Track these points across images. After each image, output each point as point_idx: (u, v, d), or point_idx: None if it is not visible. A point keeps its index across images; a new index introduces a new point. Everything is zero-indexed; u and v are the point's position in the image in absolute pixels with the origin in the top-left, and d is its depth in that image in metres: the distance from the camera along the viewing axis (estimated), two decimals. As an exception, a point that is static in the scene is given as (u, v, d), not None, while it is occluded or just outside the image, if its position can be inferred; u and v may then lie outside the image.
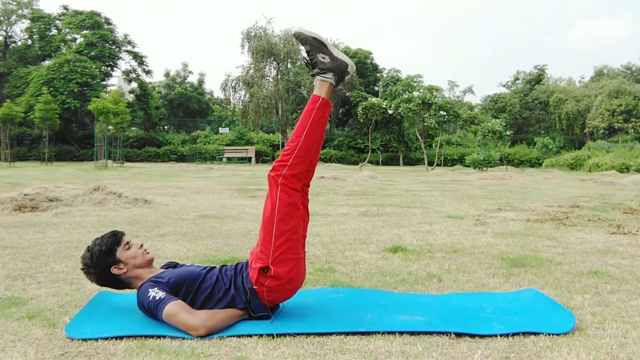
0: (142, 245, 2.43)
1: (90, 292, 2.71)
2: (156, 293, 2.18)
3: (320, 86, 2.33)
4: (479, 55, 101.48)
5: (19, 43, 38.26)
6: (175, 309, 2.12)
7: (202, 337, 2.06)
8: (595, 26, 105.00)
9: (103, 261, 2.33)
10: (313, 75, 2.36)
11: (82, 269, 2.39)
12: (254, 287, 2.23)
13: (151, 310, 2.17)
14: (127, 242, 2.40)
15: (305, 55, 2.37)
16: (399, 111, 23.92)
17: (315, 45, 2.33)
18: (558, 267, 3.38)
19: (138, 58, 37.49)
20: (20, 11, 38.18)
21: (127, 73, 37.57)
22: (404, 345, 1.99)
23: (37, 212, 5.85)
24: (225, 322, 2.16)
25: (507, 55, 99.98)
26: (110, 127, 24.59)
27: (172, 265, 2.53)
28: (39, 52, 36.52)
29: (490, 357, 1.90)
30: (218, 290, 2.27)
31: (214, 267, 2.40)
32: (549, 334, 2.09)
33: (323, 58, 2.32)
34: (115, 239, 2.38)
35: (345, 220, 5.62)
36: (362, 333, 2.10)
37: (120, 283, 2.39)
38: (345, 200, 7.87)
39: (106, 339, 2.03)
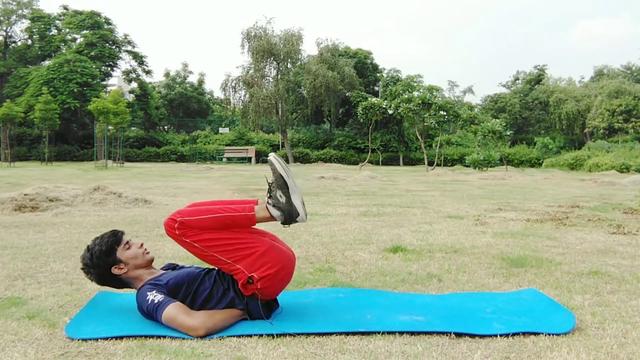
0: (142, 245, 2.43)
1: (90, 292, 2.71)
2: (154, 296, 2.18)
3: (264, 211, 2.30)
4: (479, 55, 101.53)
5: (19, 43, 38.27)
6: (174, 311, 2.12)
7: (202, 337, 2.06)
8: (595, 26, 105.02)
9: (103, 261, 2.33)
10: (265, 201, 2.33)
11: (82, 269, 2.39)
12: (251, 294, 2.25)
13: (150, 314, 2.17)
14: (127, 242, 2.40)
15: (268, 180, 2.36)
16: (399, 111, 23.91)
17: (280, 182, 2.31)
18: (558, 267, 3.38)
19: (138, 58, 37.49)
20: (20, 11, 38.19)
21: (127, 73, 37.57)
22: (404, 345, 2.00)
23: (37, 212, 5.85)
24: (224, 323, 2.16)
25: (507, 55, 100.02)
26: (110, 127, 24.59)
27: (172, 266, 2.54)
28: (39, 52, 36.52)
29: (490, 357, 1.90)
30: (217, 290, 2.27)
31: (213, 269, 2.40)
32: (549, 334, 2.09)
33: (280, 196, 2.31)
34: (115, 238, 2.38)
35: (345, 220, 5.62)
36: (362, 333, 2.10)
37: (120, 282, 2.39)
38: (345, 200, 7.87)
39: (106, 339, 2.03)
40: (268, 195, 2.34)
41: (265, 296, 2.28)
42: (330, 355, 1.91)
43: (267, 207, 2.31)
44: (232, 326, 2.18)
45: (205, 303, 2.24)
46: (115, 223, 5.17)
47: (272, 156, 2.36)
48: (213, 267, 2.42)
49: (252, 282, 2.22)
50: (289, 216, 2.31)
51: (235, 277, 2.27)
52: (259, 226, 2.42)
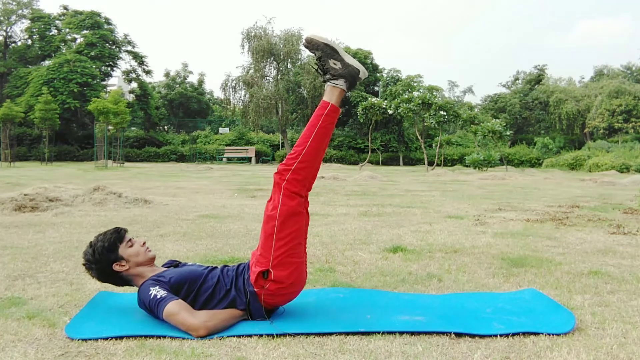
0: (144, 243, 2.43)
1: (90, 292, 2.71)
2: (157, 292, 2.18)
3: (331, 92, 2.31)
4: (479, 55, 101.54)
5: (19, 43, 38.25)
6: (176, 308, 2.11)
7: (203, 337, 2.06)
8: (595, 26, 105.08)
9: (105, 257, 2.33)
10: (324, 81, 2.34)
11: (84, 265, 2.39)
12: (255, 289, 2.23)
13: (152, 309, 2.17)
14: (130, 239, 2.40)
15: (316, 61, 2.34)
16: (399, 111, 23.90)
17: (327, 51, 2.30)
18: (558, 267, 3.38)
19: (138, 58, 37.48)
20: (20, 11, 38.17)
21: (127, 73, 37.56)
22: (404, 345, 2.00)
23: (37, 212, 5.85)
24: (225, 323, 2.16)
25: (507, 55, 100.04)
26: (110, 127, 24.59)
27: (174, 264, 2.53)
28: (39, 52, 36.50)
29: (490, 357, 1.90)
30: (219, 290, 2.27)
31: (216, 267, 2.39)
32: (549, 334, 2.09)
33: (334, 64, 2.30)
34: (118, 235, 2.38)
35: (345, 220, 5.62)
36: (362, 333, 2.10)
37: (121, 280, 2.39)
38: (345, 200, 7.86)
39: (106, 339, 2.03)
40: (324, 75, 2.32)
41: (266, 303, 2.27)
42: (330, 355, 1.91)
43: (331, 86, 2.31)
44: (232, 326, 2.18)
45: (207, 302, 2.24)
46: (115, 223, 5.17)
47: (308, 35, 2.35)
48: (216, 266, 2.43)
49: (266, 277, 2.21)
50: (351, 77, 2.31)
51: (257, 261, 2.25)
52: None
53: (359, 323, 2.19)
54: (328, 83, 2.32)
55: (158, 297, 2.15)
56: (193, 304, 2.22)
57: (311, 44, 2.33)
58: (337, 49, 2.31)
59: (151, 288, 2.20)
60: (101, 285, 2.69)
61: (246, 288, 2.25)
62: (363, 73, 2.33)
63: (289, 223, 2.23)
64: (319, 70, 2.35)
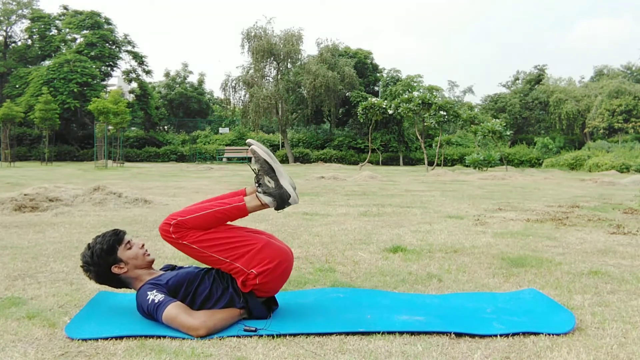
0: (143, 245, 2.43)
1: (90, 292, 2.71)
2: (155, 296, 2.18)
3: (254, 201, 2.32)
4: (479, 55, 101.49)
5: (19, 43, 38.24)
6: (175, 311, 2.12)
7: (203, 337, 2.06)
8: (595, 26, 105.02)
9: (104, 260, 2.33)
10: (255, 185, 2.35)
11: (82, 267, 2.38)
12: (251, 290, 2.25)
13: (151, 313, 2.17)
14: (129, 242, 2.40)
15: (254, 171, 2.36)
16: (399, 111, 23.89)
17: (265, 168, 2.32)
18: (558, 267, 3.38)
19: (138, 58, 37.47)
20: (20, 11, 38.16)
21: (127, 73, 37.55)
22: (404, 345, 2.00)
23: (37, 212, 5.85)
24: (225, 322, 2.16)
25: (507, 55, 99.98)
26: (110, 127, 24.58)
27: (171, 267, 2.54)
28: (39, 52, 36.49)
29: (490, 357, 1.90)
30: (216, 289, 2.28)
31: (212, 269, 2.40)
32: (549, 334, 2.09)
33: (269, 182, 2.32)
34: (117, 237, 2.38)
35: (345, 220, 5.62)
36: (362, 333, 2.10)
37: (119, 282, 2.39)
38: (345, 200, 7.87)
39: (106, 339, 2.03)
40: (256, 184, 2.34)
41: (264, 292, 2.29)
42: (330, 355, 1.91)
43: (257, 196, 2.32)
44: (232, 326, 2.18)
45: (205, 302, 2.25)
46: (115, 223, 5.17)
47: (252, 143, 2.36)
48: (211, 267, 2.43)
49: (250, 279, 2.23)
50: (281, 200, 2.32)
51: (234, 275, 2.28)
52: (257, 225, 2.42)
53: (359, 323, 2.19)
54: (257, 192, 2.33)
55: (156, 301, 2.16)
56: (191, 305, 2.23)
57: (253, 155, 2.36)
58: (274, 169, 2.32)
59: (149, 292, 2.20)
60: (101, 285, 2.69)
61: (241, 290, 2.27)
62: (294, 199, 2.33)
63: (213, 244, 2.24)
64: (254, 178, 2.37)
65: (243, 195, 2.36)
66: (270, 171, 2.32)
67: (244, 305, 2.25)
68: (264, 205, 2.32)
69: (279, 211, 2.40)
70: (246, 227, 2.45)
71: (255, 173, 2.36)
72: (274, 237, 2.43)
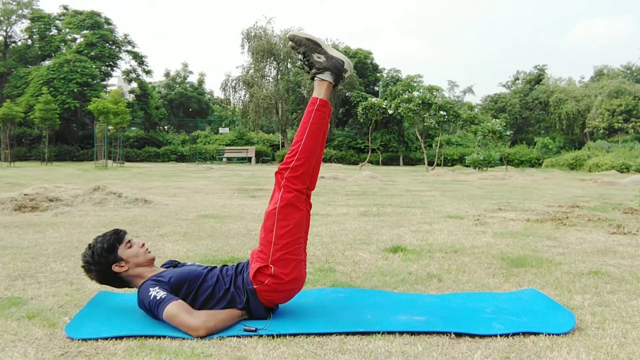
0: (143, 245, 2.43)
1: (90, 292, 2.71)
2: (157, 292, 2.17)
3: (319, 87, 2.35)
4: (479, 55, 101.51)
5: (19, 43, 38.23)
6: (176, 309, 2.11)
7: (202, 337, 2.06)
8: (595, 26, 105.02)
9: (104, 259, 2.33)
10: (312, 78, 2.37)
11: (83, 267, 2.38)
12: (254, 286, 2.24)
13: (152, 310, 2.17)
14: (129, 241, 2.40)
15: (301, 57, 2.38)
16: (399, 111, 23.89)
17: (310, 45, 2.33)
18: (558, 267, 3.38)
19: (138, 58, 37.47)
20: (20, 11, 38.14)
21: (127, 73, 37.55)
22: (404, 345, 2.00)
23: (37, 212, 5.85)
24: (225, 323, 2.16)
25: (507, 55, 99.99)
26: (110, 127, 24.59)
27: (173, 264, 2.53)
28: (39, 52, 36.48)
29: (490, 357, 1.90)
30: (219, 289, 2.27)
31: (215, 267, 2.40)
32: (549, 334, 2.09)
33: (319, 57, 2.33)
34: (117, 237, 2.38)
35: (345, 220, 5.61)
36: (362, 333, 2.10)
37: (120, 281, 2.38)
38: (345, 200, 7.86)
39: (106, 339, 2.03)
40: (311, 70, 2.35)
41: (265, 301, 2.28)
42: (330, 355, 1.91)
43: (318, 80, 2.34)
44: (232, 327, 2.18)
45: (207, 301, 2.24)
46: (115, 223, 5.17)
47: (290, 33, 2.39)
48: (215, 265, 2.44)
49: (265, 271, 2.23)
50: (337, 70, 2.34)
51: (257, 258, 2.26)
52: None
53: (359, 323, 2.19)
54: (315, 78, 2.35)
55: (158, 298, 2.15)
56: (193, 303, 2.22)
57: (294, 41, 2.37)
58: (319, 43, 2.35)
59: (151, 289, 2.20)
60: (101, 286, 2.69)
61: (245, 287, 2.26)
62: (347, 64, 2.36)
63: (288, 219, 2.25)
64: (305, 66, 2.38)
65: (313, 100, 2.35)
66: (316, 46, 2.33)
67: (245, 306, 2.25)
68: (329, 85, 2.34)
69: (338, 86, 2.41)
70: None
71: (303, 61, 2.36)
72: (305, 258, 2.40)
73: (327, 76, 2.33)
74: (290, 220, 2.25)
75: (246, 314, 2.26)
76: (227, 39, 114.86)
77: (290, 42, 2.38)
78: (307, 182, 2.33)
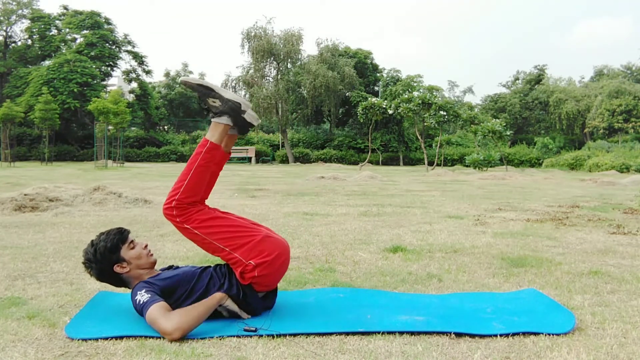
0: (146, 246, 2.42)
1: (90, 292, 2.71)
2: (142, 296, 2.16)
3: (213, 129, 2.35)
4: (479, 55, 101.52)
5: (19, 43, 38.21)
6: (154, 314, 2.07)
7: (178, 339, 2.02)
8: (595, 26, 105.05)
9: (106, 258, 2.32)
10: (209, 121, 2.38)
11: (84, 263, 2.36)
12: (250, 282, 2.28)
13: (140, 313, 2.17)
14: (132, 241, 2.39)
15: (198, 101, 2.41)
16: (399, 111, 23.89)
17: (202, 91, 2.33)
18: (558, 267, 3.38)
19: (138, 58, 37.46)
20: (20, 11, 38.13)
21: (127, 73, 37.55)
22: (404, 345, 2.00)
23: (37, 212, 5.85)
24: (203, 315, 2.13)
25: (507, 55, 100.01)
26: (110, 127, 24.58)
27: (169, 267, 2.54)
28: (39, 52, 36.47)
29: (490, 357, 1.90)
30: (213, 285, 2.30)
31: (209, 267, 2.41)
32: (549, 334, 2.09)
33: (214, 102, 2.33)
34: (121, 236, 2.36)
35: (345, 220, 5.61)
36: (362, 333, 2.10)
37: (120, 281, 2.38)
38: (345, 200, 7.86)
39: (106, 339, 2.03)
40: (207, 114, 2.38)
41: (263, 286, 2.29)
42: (330, 355, 1.91)
43: (213, 124, 2.35)
44: (229, 325, 2.17)
45: (201, 298, 2.25)
46: (115, 223, 5.17)
47: (182, 78, 2.44)
48: (209, 265, 2.45)
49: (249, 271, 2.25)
50: (234, 112, 2.33)
51: (233, 266, 2.29)
52: (255, 218, 2.45)
53: (359, 323, 2.19)
54: (211, 120, 2.35)
55: (142, 301, 2.14)
56: (188, 302, 2.23)
57: (187, 86, 2.39)
58: (212, 88, 2.34)
59: (138, 292, 2.19)
60: (101, 285, 2.69)
61: (240, 286, 2.29)
62: (245, 105, 2.35)
63: (214, 227, 2.29)
64: (204, 110, 2.40)
65: (204, 140, 2.37)
66: (209, 91, 2.34)
67: (240, 298, 2.26)
68: (225, 127, 2.34)
69: (244, 133, 2.42)
70: (248, 219, 2.47)
71: (202, 105, 2.38)
72: (271, 231, 2.45)
73: (224, 119, 2.33)
74: (216, 228, 2.29)
75: (229, 298, 2.26)
76: (227, 39, 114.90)
77: (184, 86, 2.42)
78: (198, 198, 2.35)
